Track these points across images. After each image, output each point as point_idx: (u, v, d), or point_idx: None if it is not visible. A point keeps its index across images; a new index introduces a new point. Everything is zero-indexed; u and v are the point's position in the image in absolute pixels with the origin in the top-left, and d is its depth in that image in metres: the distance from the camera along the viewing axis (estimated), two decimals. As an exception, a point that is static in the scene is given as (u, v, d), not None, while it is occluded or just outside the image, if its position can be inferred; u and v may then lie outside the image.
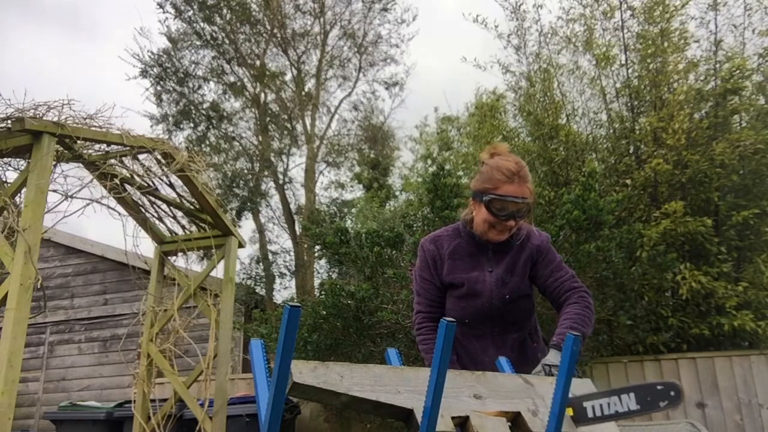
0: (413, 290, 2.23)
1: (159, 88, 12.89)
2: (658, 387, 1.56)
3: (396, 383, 1.26)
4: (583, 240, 4.73)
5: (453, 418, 1.25)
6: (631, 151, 6.22)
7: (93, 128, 3.30)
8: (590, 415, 1.60)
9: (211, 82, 13.40)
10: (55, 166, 3.18)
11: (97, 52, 27.60)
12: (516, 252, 2.10)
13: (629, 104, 6.41)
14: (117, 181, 3.58)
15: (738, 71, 5.57)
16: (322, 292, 5.29)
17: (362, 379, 1.23)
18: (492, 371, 1.55)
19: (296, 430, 6.23)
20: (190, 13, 12.84)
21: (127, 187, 3.77)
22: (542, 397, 1.42)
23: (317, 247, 6.52)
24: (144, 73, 12.61)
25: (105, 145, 3.54)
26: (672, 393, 1.50)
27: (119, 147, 3.55)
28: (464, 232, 2.12)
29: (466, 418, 1.27)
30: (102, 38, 26.58)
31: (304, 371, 1.17)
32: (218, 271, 4.37)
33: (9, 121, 2.98)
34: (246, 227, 15.37)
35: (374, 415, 1.33)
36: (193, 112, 13.12)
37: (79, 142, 3.27)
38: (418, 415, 1.20)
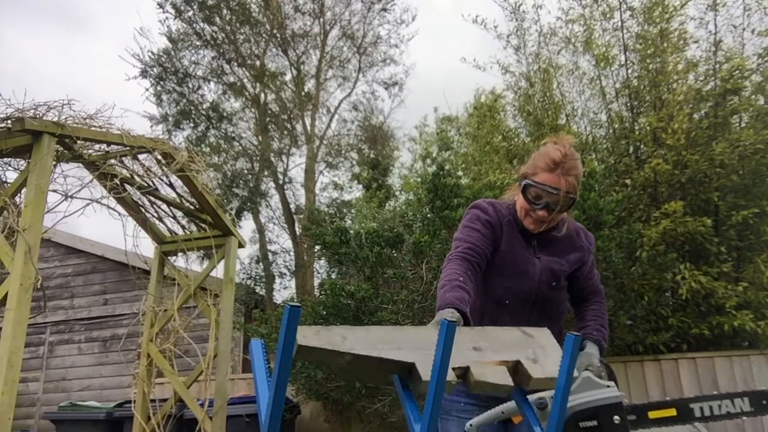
0: (456, 235, 2.01)
1: (159, 88, 12.89)
2: None
3: (398, 341, 1.31)
4: (582, 240, 4.73)
5: (454, 369, 1.28)
6: (630, 151, 6.23)
7: (93, 128, 3.30)
8: (698, 414, 1.67)
9: (211, 83, 13.41)
10: (55, 166, 3.19)
11: (95, 51, 27.61)
12: (565, 245, 2.05)
13: (629, 104, 6.41)
14: (117, 181, 3.58)
15: (737, 71, 5.57)
16: (322, 292, 5.29)
17: (364, 339, 1.29)
18: None
19: (296, 430, 6.23)
20: (190, 13, 12.84)
21: (127, 187, 3.77)
22: (542, 347, 1.44)
23: (317, 247, 6.52)
24: (144, 74, 12.62)
25: (105, 145, 3.55)
26: None
27: (119, 147, 3.56)
28: (513, 215, 2.02)
29: (467, 368, 1.31)
30: (99, 37, 26.60)
31: (308, 335, 1.23)
32: (218, 271, 4.38)
33: (9, 121, 2.99)
34: (246, 227, 15.38)
35: (376, 378, 1.36)
36: (193, 112, 13.12)
37: (79, 142, 3.28)
38: (420, 368, 1.25)
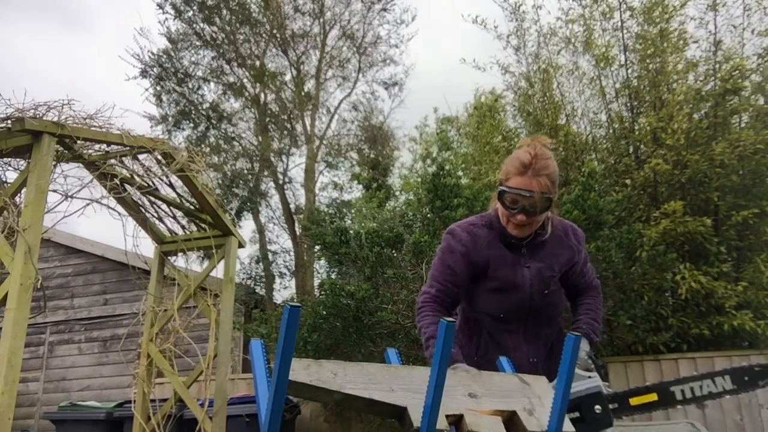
0: (431, 271, 2.07)
1: (159, 88, 12.88)
2: (756, 368, 1.63)
3: (389, 381, 1.27)
4: (582, 240, 4.73)
5: (447, 416, 1.24)
6: (630, 151, 6.23)
7: (93, 128, 3.30)
8: (679, 398, 1.64)
9: (211, 83, 13.39)
10: (55, 166, 3.18)
11: (95, 51, 27.61)
12: (554, 247, 2.03)
13: (629, 104, 6.41)
14: (117, 181, 3.58)
15: (737, 71, 5.57)
16: (322, 292, 5.30)
17: (355, 377, 1.23)
18: (525, 368, 1.54)
19: (296, 430, 6.23)
20: (190, 13, 12.84)
21: (127, 187, 3.77)
22: (539, 397, 1.41)
23: (317, 247, 6.51)
24: (144, 74, 12.61)
25: (105, 145, 3.54)
26: None
27: (119, 147, 3.55)
28: (497, 225, 2.00)
29: (461, 417, 1.27)
30: (99, 37, 26.60)
31: (297, 369, 1.17)
32: (218, 271, 4.38)
33: (9, 121, 2.98)
34: (246, 227, 15.37)
35: (368, 413, 1.33)
36: (193, 112, 13.12)
37: (79, 142, 3.28)
38: (412, 413, 1.21)
